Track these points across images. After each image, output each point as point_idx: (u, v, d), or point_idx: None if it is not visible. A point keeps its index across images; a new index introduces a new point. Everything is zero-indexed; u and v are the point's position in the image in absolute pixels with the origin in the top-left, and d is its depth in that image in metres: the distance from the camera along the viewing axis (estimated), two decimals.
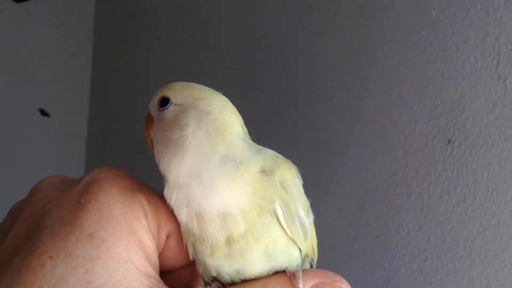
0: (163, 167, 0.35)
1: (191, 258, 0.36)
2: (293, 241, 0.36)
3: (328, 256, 0.70)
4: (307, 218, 0.37)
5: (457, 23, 0.56)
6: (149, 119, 0.37)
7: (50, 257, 0.30)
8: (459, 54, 0.55)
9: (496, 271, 0.53)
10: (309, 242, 0.38)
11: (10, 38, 1.26)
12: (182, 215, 0.34)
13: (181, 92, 0.36)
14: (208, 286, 0.36)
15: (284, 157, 0.38)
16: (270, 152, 0.37)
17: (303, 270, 0.35)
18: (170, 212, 0.35)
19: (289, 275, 0.34)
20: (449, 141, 0.56)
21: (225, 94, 0.38)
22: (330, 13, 0.70)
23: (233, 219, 0.33)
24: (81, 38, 1.33)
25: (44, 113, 1.31)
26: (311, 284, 0.34)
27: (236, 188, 0.33)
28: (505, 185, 0.52)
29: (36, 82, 1.29)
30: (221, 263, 0.34)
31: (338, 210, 0.68)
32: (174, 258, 0.37)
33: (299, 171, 0.38)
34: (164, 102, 0.36)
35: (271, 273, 0.35)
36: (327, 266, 0.70)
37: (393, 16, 0.62)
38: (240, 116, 0.37)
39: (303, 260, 0.38)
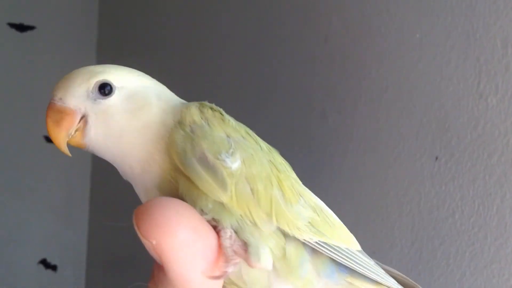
0: (129, 157, 0.31)
1: None
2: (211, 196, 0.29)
3: None
4: (221, 161, 0.29)
5: (439, 45, 0.58)
6: (68, 115, 0.31)
7: None
8: (442, 75, 0.58)
9: (486, 283, 0.54)
10: (245, 199, 0.29)
11: (14, 67, 1.30)
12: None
13: (117, 74, 0.32)
14: None
15: (203, 102, 0.33)
16: (194, 103, 0.33)
17: None
18: None
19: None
20: (436, 158, 0.58)
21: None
22: (321, 38, 0.74)
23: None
24: (83, 65, 1.37)
25: (49, 140, 1.34)
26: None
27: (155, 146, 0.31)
28: (490, 199, 0.54)
29: (40, 109, 1.32)
30: None
31: None
32: None
33: (220, 112, 0.33)
34: (104, 88, 0.31)
35: None
36: None
37: (379, 40, 0.65)
38: None
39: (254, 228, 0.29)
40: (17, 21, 1.31)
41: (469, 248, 0.56)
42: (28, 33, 1.33)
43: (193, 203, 0.28)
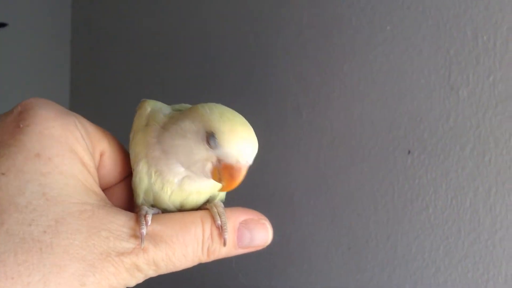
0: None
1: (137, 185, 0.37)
2: None
3: (304, 269, 0.70)
4: None
5: (410, 38, 0.57)
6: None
7: (2, 173, 0.31)
8: (413, 67, 0.57)
9: (460, 277, 0.54)
10: None
11: None
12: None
13: None
14: (154, 208, 0.36)
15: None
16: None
17: (230, 209, 0.36)
18: (101, 132, 0.38)
19: (217, 226, 0.34)
20: (409, 152, 0.58)
21: None
22: (294, 32, 0.72)
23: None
24: (57, 63, 1.34)
25: None
26: (241, 219, 0.35)
27: None
28: (463, 192, 0.53)
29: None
30: (175, 204, 0.36)
31: (311, 224, 0.69)
32: (108, 175, 0.39)
33: None
34: None
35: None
36: (303, 280, 0.70)
37: (351, 33, 0.64)
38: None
39: None
40: None
41: (443, 243, 0.55)
42: (1, 30, 1.30)
43: None
